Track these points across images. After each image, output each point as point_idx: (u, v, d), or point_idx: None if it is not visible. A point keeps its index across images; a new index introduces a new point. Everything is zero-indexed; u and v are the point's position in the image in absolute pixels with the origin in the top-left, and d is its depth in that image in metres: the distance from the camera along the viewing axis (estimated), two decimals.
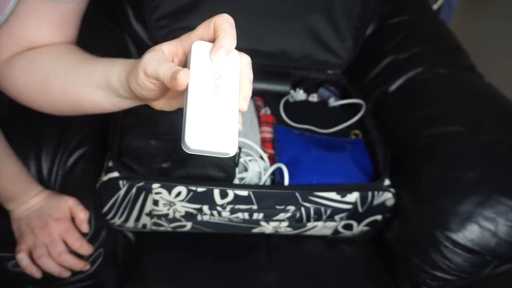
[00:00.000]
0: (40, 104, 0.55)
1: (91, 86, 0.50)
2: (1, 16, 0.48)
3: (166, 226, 0.74)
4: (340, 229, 0.78)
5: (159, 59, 0.40)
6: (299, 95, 0.96)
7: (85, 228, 0.67)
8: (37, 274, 0.63)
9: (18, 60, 0.53)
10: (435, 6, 1.33)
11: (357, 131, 0.87)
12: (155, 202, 0.67)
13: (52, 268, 0.64)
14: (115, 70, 0.48)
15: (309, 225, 0.75)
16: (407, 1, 1.06)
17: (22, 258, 0.62)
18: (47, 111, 0.57)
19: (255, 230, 0.76)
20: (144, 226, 0.74)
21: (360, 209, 0.72)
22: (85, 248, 0.66)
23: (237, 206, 0.69)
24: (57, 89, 0.53)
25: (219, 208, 0.68)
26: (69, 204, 0.67)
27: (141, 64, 0.41)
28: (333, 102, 0.93)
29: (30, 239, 0.63)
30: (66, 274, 0.65)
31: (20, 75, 0.53)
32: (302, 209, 0.71)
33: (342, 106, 0.95)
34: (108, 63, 0.50)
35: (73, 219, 0.67)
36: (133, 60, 0.47)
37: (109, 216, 0.70)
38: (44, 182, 0.68)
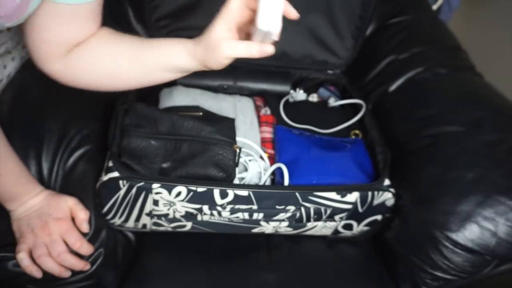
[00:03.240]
0: (109, 88, 0.66)
1: (158, 70, 0.62)
2: (7, 24, 0.52)
3: (166, 226, 0.74)
4: (340, 229, 0.78)
5: (232, 37, 0.55)
6: (299, 95, 0.96)
7: (85, 228, 0.67)
8: (38, 274, 0.63)
9: (78, 59, 0.62)
10: (434, 7, 1.33)
11: (357, 131, 0.87)
12: (155, 202, 0.67)
13: (52, 268, 0.64)
14: (183, 55, 0.60)
15: (309, 225, 0.75)
16: (407, 1, 1.06)
17: (23, 258, 0.62)
18: (114, 90, 0.67)
19: (255, 230, 0.76)
20: (144, 226, 0.74)
21: (360, 209, 0.72)
22: (85, 248, 0.66)
23: (237, 206, 0.69)
24: (124, 76, 0.64)
25: (219, 208, 0.69)
26: (69, 204, 0.67)
27: (220, 51, 0.55)
28: (333, 102, 0.93)
29: (30, 239, 0.63)
30: (67, 274, 0.65)
31: (87, 74, 0.63)
32: (302, 209, 0.71)
33: (342, 106, 0.95)
34: (168, 48, 0.62)
35: (73, 219, 0.67)
36: (197, 41, 0.60)
37: (109, 216, 0.70)
38: (44, 182, 0.68)
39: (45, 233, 0.64)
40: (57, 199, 0.66)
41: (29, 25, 0.57)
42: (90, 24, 0.61)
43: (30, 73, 0.79)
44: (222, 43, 0.54)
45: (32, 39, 0.59)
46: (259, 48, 0.54)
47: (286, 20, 1.01)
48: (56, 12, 0.56)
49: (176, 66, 0.62)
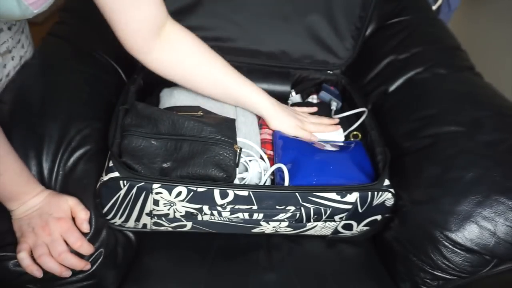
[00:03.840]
0: (188, 86, 0.80)
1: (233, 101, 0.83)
2: (35, 10, 0.56)
3: (167, 226, 0.74)
4: (340, 229, 0.78)
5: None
6: (295, 98, 0.97)
7: (85, 228, 0.67)
8: (38, 274, 0.63)
9: (168, 43, 0.73)
10: (434, 7, 1.33)
11: (355, 132, 0.88)
12: (156, 202, 0.67)
13: (53, 267, 0.64)
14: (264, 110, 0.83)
15: (309, 225, 0.75)
16: (407, 1, 1.06)
17: (23, 257, 0.63)
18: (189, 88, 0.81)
19: (255, 230, 0.76)
20: (145, 226, 0.74)
21: (360, 209, 0.72)
22: (86, 248, 0.66)
23: (237, 206, 0.69)
24: (201, 86, 0.80)
25: (219, 208, 0.69)
26: (70, 203, 0.67)
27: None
28: (335, 107, 0.93)
29: (31, 238, 0.63)
30: (67, 273, 0.65)
31: (172, 68, 0.76)
32: (302, 209, 0.71)
33: (342, 106, 0.95)
34: (255, 93, 0.83)
35: (73, 219, 0.67)
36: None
37: (110, 216, 0.70)
38: (45, 182, 0.68)
39: (46, 233, 0.64)
40: (58, 199, 0.66)
41: (109, 13, 0.65)
42: (163, 5, 0.70)
43: (30, 73, 0.79)
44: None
45: (118, 29, 0.68)
46: None
47: (286, 20, 1.01)
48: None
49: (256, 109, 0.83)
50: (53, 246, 0.64)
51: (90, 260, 0.68)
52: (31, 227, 0.64)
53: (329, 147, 0.80)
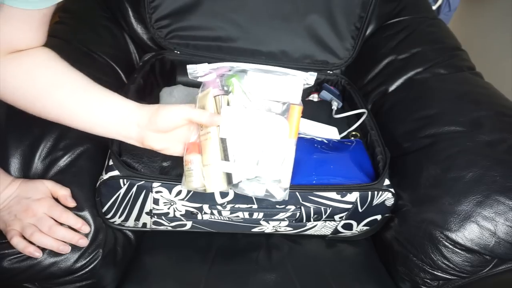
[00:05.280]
0: (28, 108, 0.61)
1: (100, 109, 0.61)
2: None
3: (166, 225, 0.74)
4: (340, 228, 0.78)
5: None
6: None
7: (71, 202, 0.66)
8: (38, 254, 0.62)
9: (12, 66, 0.58)
10: (434, 7, 1.34)
11: (354, 132, 0.88)
12: (155, 201, 0.67)
13: (48, 242, 0.63)
14: (132, 105, 0.61)
15: (309, 224, 0.75)
16: (407, 1, 1.06)
17: (17, 241, 0.61)
18: (33, 114, 0.61)
19: (255, 230, 0.76)
20: (144, 225, 0.74)
21: (359, 209, 0.72)
22: (73, 220, 0.65)
23: (237, 205, 0.69)
24: (56, 101, 0.60)
25: (219, 207, 0.69)
26: (47, 185, 0.66)
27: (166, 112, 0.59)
28: (336, 107, 0.93)
29: (17, 224, 0.62)
30: (65, 248, 0.64)
31: (21, 76, 0.58)
32: (302, 209, 0.71)
33: (342, 105, 0.95)
34: (122, 97, 0.62)
35: (56, 200, 0.66)
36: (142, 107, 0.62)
37: (109, 215, 0.70)
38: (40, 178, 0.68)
39: (29, 215, 0.63)
40: (33, 183, 0.65)
41: None
42: (35, 32, 0.58)
43: None
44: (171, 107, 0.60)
45: None
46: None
47: (286, 20, 1.01)
48: (3, 11, 0.54)
49: (123, 117, 0.61)
50: (40, 223, 0.63)
51: (88, 259, 0.67)
52: (13, 215, 0.63)
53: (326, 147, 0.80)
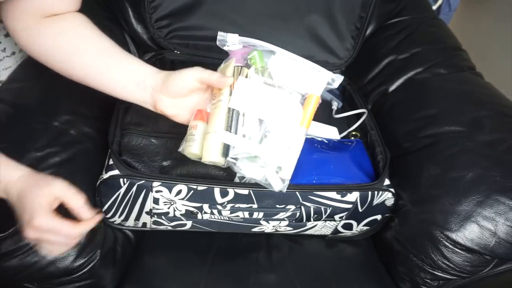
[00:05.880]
0: (60, 70, 0.66)
1: (120, 71, 0.64)
2: None
3: (166, 225, 0.74)
4: (340, 228, 0.78)
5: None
6: None
7: (87, 214, 0.57)
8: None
9: (49, 28, 0.63)
10: (434, 7, 1.34)
11: (354, 132, 0.88)
12: (156, 201, 0.67)
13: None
14: (149, 69, 0.64)
15: (309, 224, 0.75)
16: (407, 1, 1.06)
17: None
18: (64, 75, 0.67)
19: (255, 229, 0.76)
20: (144, 224, 0.74)
21: (360, 209, 0.72)
22: (76, 200, 0.56)
23: (237, 205, 0.69)
24: (83, 63, 0.65)
25: (219, 207, 0.69)
26: (55, 191, 0.56)
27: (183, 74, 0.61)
28: (336, 107, 0.93)
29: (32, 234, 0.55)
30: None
31: (50, 42, 0.64)
32: (302, 209, 0.71)
33: (342, 105, 0.95)
34: (140, 61, 0.66)
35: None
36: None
37: (109, 215, 0.69)
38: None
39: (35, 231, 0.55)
40: (37, 189, 0.55)
41: None
42: None
43: (30, 72, 0.79)
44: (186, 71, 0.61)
45: None
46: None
47: (286, 20, 1.01)
48: None
49: (141, 79, 0.65)
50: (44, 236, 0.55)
51: (87, 258, 0.67)
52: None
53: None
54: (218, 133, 0.58)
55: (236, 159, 0.59)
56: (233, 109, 0.58)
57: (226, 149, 0.58)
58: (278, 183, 0.60)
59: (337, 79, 0.62)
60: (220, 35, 0.62)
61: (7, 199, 0.58)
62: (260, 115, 0.59)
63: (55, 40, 0.64)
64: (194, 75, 0.61)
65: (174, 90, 0.62)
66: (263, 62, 0.61)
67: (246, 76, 0.60)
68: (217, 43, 0.62)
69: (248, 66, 0.61)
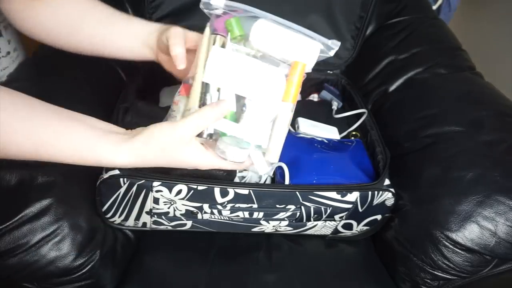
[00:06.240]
0: (63, 45, 0.67)
1: (124, 35, 0.65)
2: None
3: (166, 225, 0.74)
4: (340, 228, 0.78)
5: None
6: None
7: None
8: None
9: (45, 5, 0.63)
10: (434, 7, 1.34)
11: (354, 132, 0.88)
12: (156, 200, 0.67)
13: None
14: (152, 27, 0.65)
15: (309, 224, 0.75)
16: (407, 1, 1.06)
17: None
18: (69, 50, 0.68)
19: (255, 229, 0.76)
20: (144, 224, 0.74)
21: (360, 209, 0.72)
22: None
23: (237, 205, 0.69)
24: (87, 34, 0.66)
25: (219, 207, 0.68)
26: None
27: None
28: (336, 107, 0.93)
29: None
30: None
31: (49, 19, 0.64)
32: (302, 208, 0.71)
33: (342, 105, 0.95)
34: (141, 20, 0.67)
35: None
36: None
37: (109, 215, 0.69)
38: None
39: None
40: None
41: None
42: None
43: (30, 72, 0.79)
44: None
45: None
46: None
47: (286, 20, 1.00)
48: None
49: (142, 34, 0.66)
50: None
51: (87, 258, 0.67)
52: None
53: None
54: (191, 111, 0.52)
55: (215, 139, 0.53)
56: (207, 84, 0.52)
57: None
58: (263, 166, 0.54)
59: (334, 46, 0.54)
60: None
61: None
62: (237, 90, 0.52)
63: (54, 17, 0.64)
64: (166, 36, 0.61)
65: (162, 48, 0.63)
66: (241, 30, 0.54)
67: (223, 46, 0.53)
68: (201, 6, 0.55)
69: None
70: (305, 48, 0.53)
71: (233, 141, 0.53)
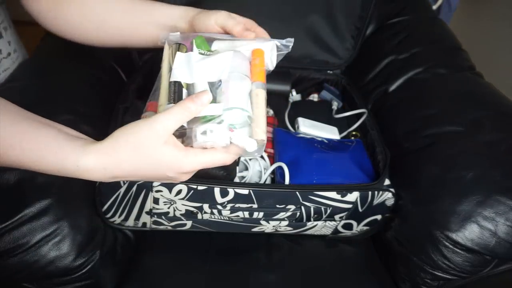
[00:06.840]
0: (93, 40, 0.68)
1: (150, 24, 0.65)
2: None
3: (166, 225, 0.74)
4: (340, 228, 0.78)
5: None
6: (295, 97, 0.97)
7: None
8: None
9: (69, 2, 0.64)
10: (434, 7, 1.34)
11: (354, 132, 0.88)
12: (156, 200, 0.67)
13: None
14: (177, 12, 0.64)
15: (309, 224, 0.75)
16: (407, 1, 1.06)
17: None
18: (97, 45, 0.69)
19: (255, 229, 0.76)
20: (144, 224, 0.74)
21: (360, 209, 0.72)
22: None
23: (237, 205, 0.69)
24: (114, 26, 0.66)
25: (219, 207, 0.68)
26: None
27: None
28: (336, 107, 0.93)
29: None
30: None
31: (75, 16, 0.65)
32: (302, 208, 0.71)
33: (342, 105, 0.95)
34: (166, 5, 0.66)
35: None
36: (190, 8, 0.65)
37: (109, 215, 0.69)
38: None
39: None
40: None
41: None
42: None
43: (30, 72, 0.79)
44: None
45: None
46: None
47: (286, 20, 1.01)
48: None
49: (169, 20, 0.65)
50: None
51: (87, 258, 0.67)
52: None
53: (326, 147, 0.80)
54: (162, 107, 0.52)
55: (190, 128, 0.52)
56: (174, 82, 0.53)
57: None
58: (251, 144, 0.52)
59: (289, 43, 0.59)
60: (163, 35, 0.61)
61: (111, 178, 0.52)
62: (209, 77, 0.54)
63: (79, 13, 0.65)
64: (217, 20, 0.60)
65: (201, 30, 0.61)
66: (207, 46, 0.59)
67: (186, 51, 0.56)
68: (160, 42, 0.60)
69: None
70: (262, 44, 0.60)
71: (207, 121, 0.52)
